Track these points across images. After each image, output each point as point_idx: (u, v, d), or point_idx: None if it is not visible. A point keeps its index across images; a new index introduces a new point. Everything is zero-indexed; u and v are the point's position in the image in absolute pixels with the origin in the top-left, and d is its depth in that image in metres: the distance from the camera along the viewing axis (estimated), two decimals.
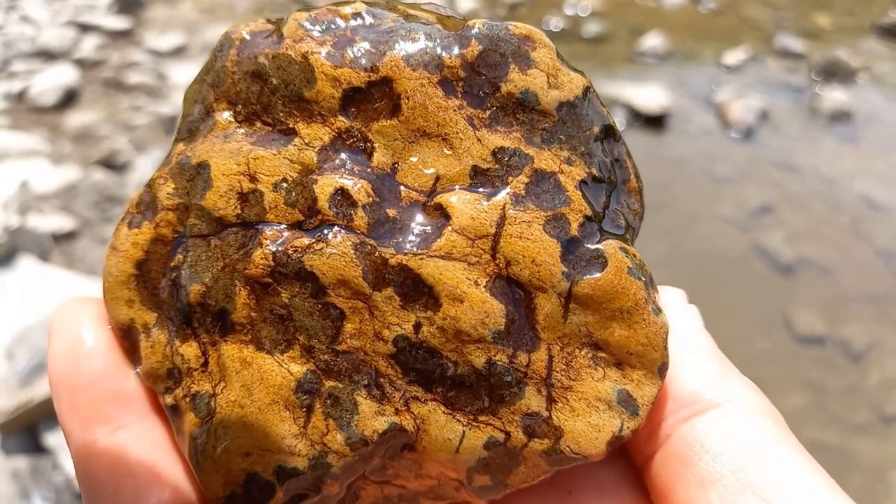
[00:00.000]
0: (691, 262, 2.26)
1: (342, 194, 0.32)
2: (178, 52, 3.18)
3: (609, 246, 0.33)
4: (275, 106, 0.34)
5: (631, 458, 0.35)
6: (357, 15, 0.35)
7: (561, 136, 0.33)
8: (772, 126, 2.94)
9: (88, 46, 3.13)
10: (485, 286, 0.32)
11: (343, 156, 0.33)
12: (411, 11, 0.35)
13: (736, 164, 2.71)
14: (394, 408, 0.32)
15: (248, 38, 0.35)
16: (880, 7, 3.89)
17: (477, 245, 0.32)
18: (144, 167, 2.32)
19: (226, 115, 0.35)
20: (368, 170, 0.33)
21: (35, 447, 1.46)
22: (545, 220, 0.32)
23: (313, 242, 0.32)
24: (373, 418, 0.32)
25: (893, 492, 1.68)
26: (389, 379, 0.32)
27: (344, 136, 0.33)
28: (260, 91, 0.34)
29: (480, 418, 0.32)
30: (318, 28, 0.34)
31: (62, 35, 3.13)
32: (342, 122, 0.33)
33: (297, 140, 0.33)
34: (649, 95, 2.94)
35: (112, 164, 2.40)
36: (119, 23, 3.34)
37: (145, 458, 0.32)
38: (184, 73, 2.96)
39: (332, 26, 0.34)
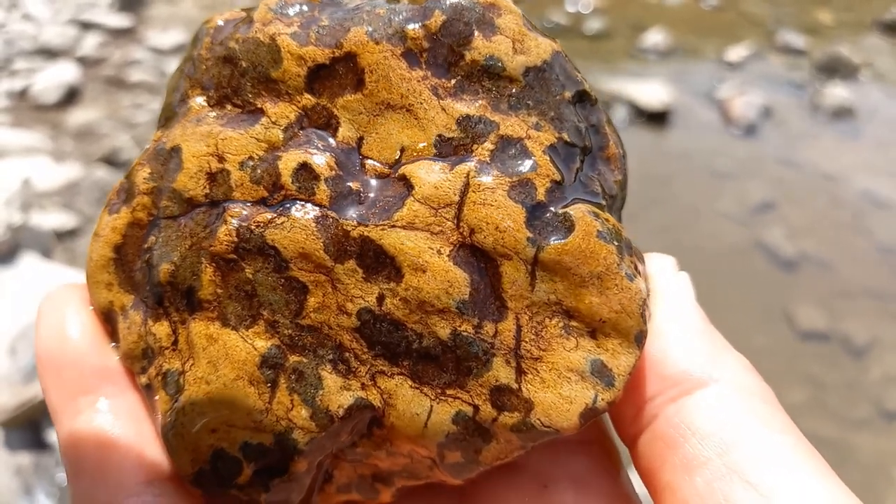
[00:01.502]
0: (692, 258, 2.25)
1: (305, 169, 0.32)
2: (180, 50, 3.19)
3: (577, 210, 0.32)
4: (244, 88, 0.34)
5: (619, 437, 0.35)
6: None
7: (528, 102, 0.33)
8: (773, 122, 2.93)
9: (90, 44, 3.14)
10: (448, 255, 0.31)
11: (308, 132, 0.33)
12: None
13: (737, 161, 2.71)
14: (360, 382, 0.31)
15: (221, 25, 0.36)
16: (881, 3, 3.87)
17: (440, 214, 0.31)
18: None
19: (199, 101, 0.35)
20: (333, 144, 0.33)
21: (38, 443, 1.47)
22: (510, 186, 0.31)
23: (275, 217, 0.31)
24: (338, 393, 0.31)
25: (894, 487, 1.67)
26: (354, 353, 0.31)
27: (310, 113, 0.33)
28: (230, 74, 0.34)
29: (448, 392, 0.31)
30: (287, 11, 0.34)
31: (64, 33, 3.14)
32: (308, 99, 0.33)
33: (264, 119, 0.33)
34: (651, 92, 2.93)
35: (114, 162, 2.41)
36: (120, 20, 3.35)
37: (127, 431, 0.32)
38: None
39: (302, 8, 0.35)
